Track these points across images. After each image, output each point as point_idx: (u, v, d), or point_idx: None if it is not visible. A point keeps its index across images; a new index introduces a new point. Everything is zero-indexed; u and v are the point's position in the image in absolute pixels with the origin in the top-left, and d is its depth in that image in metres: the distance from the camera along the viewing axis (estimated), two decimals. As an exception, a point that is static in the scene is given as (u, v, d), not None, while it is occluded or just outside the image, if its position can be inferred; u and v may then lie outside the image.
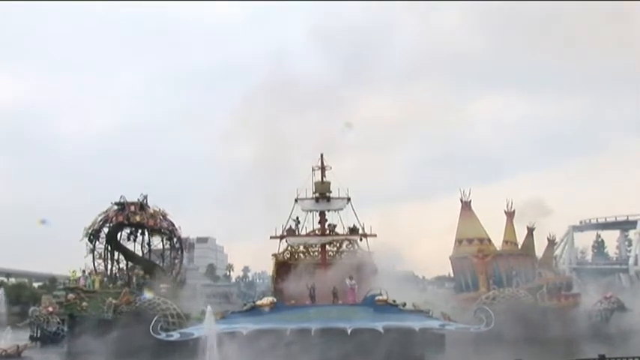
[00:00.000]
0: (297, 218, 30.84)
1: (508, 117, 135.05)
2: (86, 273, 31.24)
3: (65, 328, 31.12)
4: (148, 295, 28.23)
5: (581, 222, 59.57)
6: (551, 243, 39.14)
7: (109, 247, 32.85)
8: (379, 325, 24.06)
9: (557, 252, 49.64)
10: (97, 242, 32.31)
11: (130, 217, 31.80)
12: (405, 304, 26.39)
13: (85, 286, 29.98)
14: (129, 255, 33.60)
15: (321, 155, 31.91)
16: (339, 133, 35.42)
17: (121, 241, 33.58)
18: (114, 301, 28.01)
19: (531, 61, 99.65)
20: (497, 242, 37.02)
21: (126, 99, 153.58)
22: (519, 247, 36.66)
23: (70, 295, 29.45)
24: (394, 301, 26.40)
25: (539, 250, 37.75)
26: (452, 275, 42.00)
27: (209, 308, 24.42)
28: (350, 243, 31.14)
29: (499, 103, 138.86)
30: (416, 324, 24.38)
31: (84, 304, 28.64)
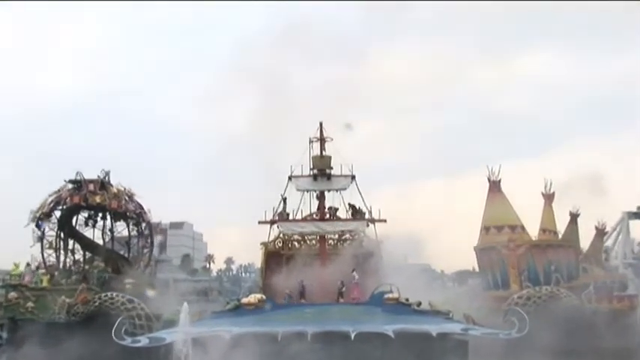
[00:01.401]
0: (284, 198, 30.88)
1: (554, 76, 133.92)
2: (33, 266, 31.25)
3: (4, 335, 31.19)
4: (149, 293, 28.29)
5: (639, 207, 59.29)
6: (601, 232, 38.73)
7: (62, 235, 32.82)
8: (389, 329, 24.27)
9: (608, 244, 49.53)
10: (47, 228, 32.24)
11: (88, 198, 31.64)
12: (420, 304, 26.57)
13: (31, 282, 29.94)
14: (86, 244, 33.59)
15: (320, 124, 31.86)
16: (351, 93, 35.11)
17: (77, 227, 33.57)
18: (67, 301, 28.06)
19: (584, 9, 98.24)
20: (533, 230, 37.09)
21: (83, 54, 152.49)
22: (560, 236, 36.64)
23: (12, 294, 29.34)
24: (407, 299, 26.62)
25: (585, 241, 37.77)
26: (477, 269, 42.15)
27: (185, 307, 24.69)
28: (354, 230, 31.24)
29: (544, 59, 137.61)
30: (433, 327, 24.58)
31: (29, 304, 28.66)
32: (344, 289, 28.06)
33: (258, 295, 27.37)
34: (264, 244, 31.17)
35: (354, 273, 28.20)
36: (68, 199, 31.77)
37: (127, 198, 32.85)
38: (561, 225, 37.10)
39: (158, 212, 36.68)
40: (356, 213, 30.78)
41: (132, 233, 34.21)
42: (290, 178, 30.92)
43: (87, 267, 31.97)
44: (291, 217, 30.94)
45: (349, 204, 30.89)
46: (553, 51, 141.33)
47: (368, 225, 30.70)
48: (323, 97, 36.54)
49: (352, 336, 23.85)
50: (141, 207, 33.50)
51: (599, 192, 37.34)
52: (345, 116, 33.90)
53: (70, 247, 33.31)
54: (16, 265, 31.23)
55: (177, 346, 23.52)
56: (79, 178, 32.06)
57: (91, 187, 31.82)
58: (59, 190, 32.17)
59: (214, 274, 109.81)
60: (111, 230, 34.25)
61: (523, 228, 36.66)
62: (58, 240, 32.58)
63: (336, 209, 31.14)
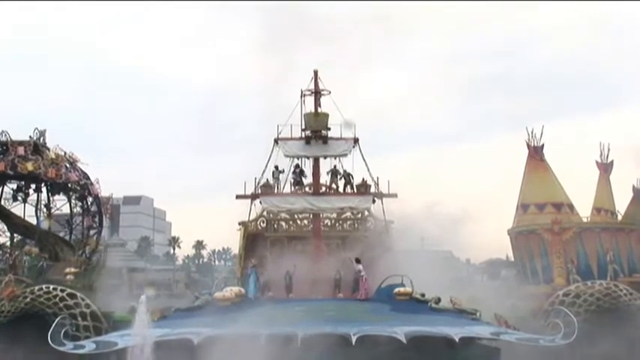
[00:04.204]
0: (278, 168, 30.96)
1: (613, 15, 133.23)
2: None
3: None
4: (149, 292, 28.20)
5: None
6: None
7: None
8: (400, 332, 24.20)
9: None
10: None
11: (16, 165, 31.42)
12: (439, 300, 26.75)
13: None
14: (15, 223, 33.60)
15: (315, 73, 31.87)
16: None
17: (3, 202, 33.44)
18: (-11, 296, 27.97)
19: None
20: (584, 210, 37.15)
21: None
22: (619, 217, 36.75)
23: None
24: (423, 295, 26.81)
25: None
26: (511, 258, 42.26)
27: (142, 304, 24.54)
28: (356, 207, 31.26)
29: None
30: (455, 331, 24.53)
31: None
32: (342, 280, 28.17)
33: (236, 289, 27.53)
34: (243, 224, 31.27)
35: (357, 262, 28.22)
36: (-10, 166, 31.51)
37: (67, 165, 32.64)
38: (621, 203, 37.23)
39: (109, 183, 36.48)
40: (350, 184, 30.78)
41: (74, 210, 34.06)
42: (276, 141, 30.87)
43: (16, 253, 31.83)
44: (276, 190, 30.99)
45: (345, 173, 30.84)
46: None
47: (374, 201, 30.89)
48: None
49: (353, 340, 23.75)
50: (86, 177, 33.33)
51: None
52: (357, 61, 33.89)
53: (-7, 227, 33.30)
54: None
55: (133, 352, 23.46)
56: (4, 139, 31.80)
57: (21, 150, 31.55)
58: (-23, 155, 31.88)
59: (180, 261, 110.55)
60: (47, 206, 34.02)
61: (571, 206, 36.75)
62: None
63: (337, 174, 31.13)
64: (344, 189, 31.23)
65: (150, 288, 29.00)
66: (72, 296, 27.25)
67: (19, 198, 33.66)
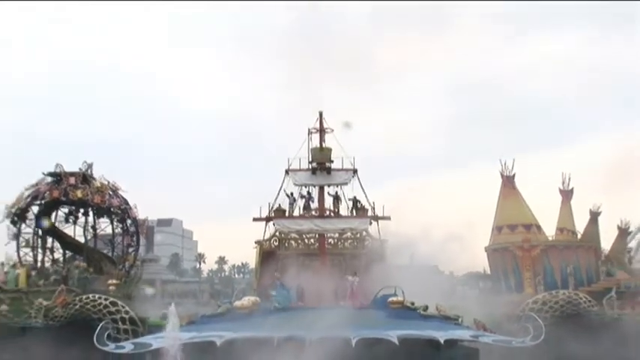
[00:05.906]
0: (292, 194, 31.14)
1: (579, 57, 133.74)
2: (7, 265, 31.04)
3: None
4: (149, 291, 27.92)
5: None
6: (624, 232, 38.39)
7: (40, 232, 32.78)
8: (393, 335, 24.19)
9: (633, 245, 49.41)
10: (24, 225, 32.15)
11: (68, 193, 31.57)
12: (426, 308, 26.69)
13: (4, 282, 29.74)
14: (67, 242, 33.61)
15: (320, 114, 32.28)
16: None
17: (57, 224, 33.51)
18: (45, 303, 27.98)
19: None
20: (550, 230, 37.13)
21: (60, 25, 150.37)
22: (579, 236, 36.71)
23: (-16, 296, 29.21)
24: (412, 303, 26.71)
25: (607, 242, 37.69)
26: (488, 272, 42.17)
27: (172, 311, 24.59)
28: (355, 228, 31.44)
29: (565, 39, 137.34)
30: (441, 334, 24.48)
31: (3, 307, 28.56)
32: (338, 291, 28.22)
33: (253, 298, 27.43)
34: (258, 242, 31.38)
35: (353, 275, 28.25)
36: (47, 193, 31.63)
37: (110, 192, 32.78)
38: (580, 224, 37.26)
39: (145, 208, 36.70)
40: (357, 209, 31.06)
41: (116, 230, 34.12)
42: (287, 171, 31.17)
43: (67, 267, 31.90)
44: (289, 213, 31.19)
45: (354, 198, 31.18)
46: (580, 29, 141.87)
47: (371, 223, 31.03)
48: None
49: (353, 342, 23.75)
50: (126, 202, 33.44)
51: (621, 188, 37.45)
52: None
53: (49, 245, 33.32)
54: (-11, 265, 31.08)
55: (165, 352, 23.51)
56: (58, 170, 32.01)
57: (72, 180, 31.73)
58: (37, 184, 31.98)
59: (205, 275, 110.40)
60: (93, 227, 34.16)
61: (538, 227, 36.74)
62: (35, 238, 32.47)
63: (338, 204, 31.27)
64: (351, 211, 31.44)
65: (152, 287, 28.53)
66: (114, 304, 27.32)
67: (70, 220, 33.78)
